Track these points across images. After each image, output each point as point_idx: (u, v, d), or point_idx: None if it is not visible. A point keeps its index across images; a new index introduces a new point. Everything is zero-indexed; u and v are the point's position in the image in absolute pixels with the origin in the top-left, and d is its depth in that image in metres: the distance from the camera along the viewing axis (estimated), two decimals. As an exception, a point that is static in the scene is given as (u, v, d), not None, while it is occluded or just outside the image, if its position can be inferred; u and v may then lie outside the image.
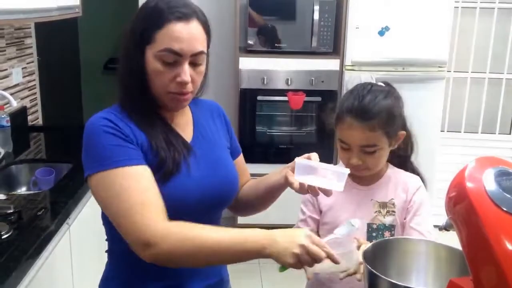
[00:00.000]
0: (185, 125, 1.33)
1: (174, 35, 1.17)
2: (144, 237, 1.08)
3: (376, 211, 1.48)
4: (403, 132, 1.49)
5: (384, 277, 1.04)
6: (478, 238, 0.86)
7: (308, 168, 1.25)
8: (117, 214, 1.13)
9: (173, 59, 1.18)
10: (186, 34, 1.18)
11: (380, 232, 1.46)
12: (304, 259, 1.07)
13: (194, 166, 1.25)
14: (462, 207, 0.89)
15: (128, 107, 1.26)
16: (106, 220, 1.25)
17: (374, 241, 1.22)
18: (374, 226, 1.47)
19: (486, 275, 0.86)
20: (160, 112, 1.29)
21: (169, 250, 1.08)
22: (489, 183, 0.86)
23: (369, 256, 1.12)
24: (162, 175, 1.18)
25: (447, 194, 0.93)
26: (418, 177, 1.55)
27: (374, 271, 1.06)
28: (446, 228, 0.99)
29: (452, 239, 1.16)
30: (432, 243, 1.16)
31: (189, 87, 1.21)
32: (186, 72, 1.19)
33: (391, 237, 1.20)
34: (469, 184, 0.88)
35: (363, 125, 1.38)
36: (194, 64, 1.21)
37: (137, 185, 1.12)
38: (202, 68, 1.24)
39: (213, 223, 1.30)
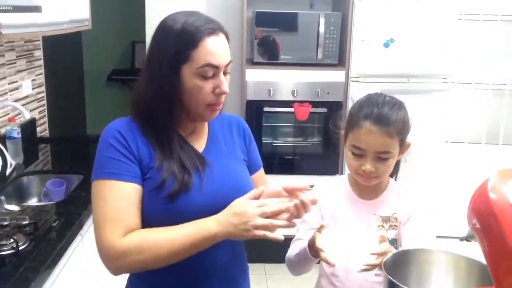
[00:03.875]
0: (199, 136, 1.36)
1: (210, 50, 1.22)
2: (107, 251, 1.18)
3: (379, 226, 1.48)
4: (410, 142, 1.51)
5: (404, 286, 1.05)
6: (501, 249, 0.88)
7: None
8: (94, 222, 1.23)
9: (212, 72, 1.24)
10: (219, 47, 1.24)
11: None
12: (260, 228, 1.14)
13: (207, 178, 1.28)
14: (485, 219, 0.90)
15: (145, 124, 1.29)
16: None
17: (394, 252, 1.23)
18: None
19: (509, 286, 0.88)
20: (178, 125, 1.32)
21: (131, 264, 1.19)
22: (513, 194, 0.88)
23: (388, 266, 1.14)
24: (168, 194, 1.22)
25: (469, 206, 0.95)
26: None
27: (395, 280, 1.07)
28: (467, 239, 1.00)
29: (467, 250, 1.18)
30: (451, 254, 1.17)
31: (224, 96, 1.28)
32: (224, 83, 1.26)
33: (410, 248, 1.22)
34: (492, 196, 0.90)
35: (382, 131, 1.40)
36: (224, 74, 1.28)
37: (114, 201, 1.20)
38: (229, 76, 1.30)
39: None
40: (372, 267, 1.29)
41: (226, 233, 1.17)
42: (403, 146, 1.47)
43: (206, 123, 1.40)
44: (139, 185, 1.24)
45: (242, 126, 1.48)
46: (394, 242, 1.47)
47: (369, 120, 1.41)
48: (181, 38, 1.22)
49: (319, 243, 1.34)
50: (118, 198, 1.21)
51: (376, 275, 1.44)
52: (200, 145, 1.35)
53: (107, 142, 1.25)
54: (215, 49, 1.23)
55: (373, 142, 1.41)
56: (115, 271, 1.21)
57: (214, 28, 1.24)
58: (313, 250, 1.38)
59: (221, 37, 1.26)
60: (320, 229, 1.36)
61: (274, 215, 1.17)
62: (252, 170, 1.45)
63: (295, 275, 1.54)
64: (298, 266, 1.50)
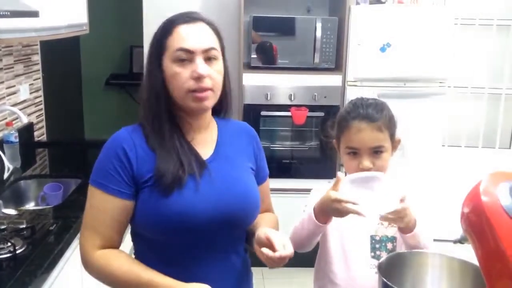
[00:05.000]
0: (206, 142, 1.36)
1: (182, 35, 1.26)
2: (82, 257, 1.29)
3: (378, 223, 1.50)
4: (399, 138, 1.54)
5: (399, 289, 1.06)
6: (494, 252, 0.89)
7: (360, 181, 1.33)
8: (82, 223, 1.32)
9: (186, 56, 1.25)
10: (194, 32, 1.27)
11: (383, 244, 1.50)
12: None
13: (206, 184, 1.27)
14: (477, 221, 0.91)
15: (148, 126, 1.31)
16: (133, 238, 1.34)
17: (388, 254, 1.25)
18: (377, 238, 1.50)
19: None
20: (182, 129, 1.33)
21: (93, 275, 1.29)
22: (504, 197, 0.89)
23: (384, 269, 1.15)
24: (162, 189, 1.23)
25: (462, 209, 0.96)
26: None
27: (389, 283, 1.08)
28: (461, 241, 1.02)
29: (461, 252, 1.19)
30: (445, 256, 1.19)
31: (207, 82, 1.26)
32: (199, 65, 1.25)
33: (405, 251, 1.23)
34: (484, 198, 0.91)
35: (371, 126, 1.45)
36: (209, 60, 1.27)
37: (96, 210, 1.28)
38: (219, 66, 1.30)
39: (234, 243, 1.35)
40: (389, 219, 1.31)
41: None
42: (393, 141, 1.51)
43: (214, 129, 1.39)
44: (126, 200, 1.26)
45: (252, 135, 1.47)
46: (393, 239, 1.49)
47: (358, 119, 1.46)
48: (159, 31, 1.29)
49: (343, 196, 1.30)
50: (100, 208, 1.27)
51: (377, 273, 1.45)
52: (207, 151, 1.34)
53: (108, 154, 1.28)
54: (188, 35, 1.26)
55: (365, 138, 1.45)
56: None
57: (193, 17, 1.29)
58: (321, 215, 1.37)
59: (198, 25, 1.28)
60: (335, 186, 1.33)
61: None
62: (259, 180, 1.43)
63: (298, 249, 1.49)
64: (304, 237, 1.46)
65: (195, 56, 1.25)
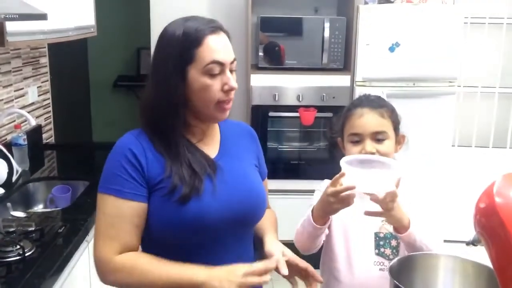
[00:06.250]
0: (211, 142, 1.37)
1: (214, 47, 1.24)
2: (100, 265, 1.25)
3: (382, 220, 1.49)
4: (404, 135, 1.54)
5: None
6: (508, 254, 0.87)
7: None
8: (94, 232, 1.28)
9: (219, 69, 1.25)
10: (222, 44, 1.27)
11: (387, 241, 1.49)
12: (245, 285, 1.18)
13: (220, 183, 1.28)
14: (491, 223, 0.90)
15: (154, 132, 1.29)
16: (143, 243, 1.31)
17: (399, 257, 1.23)
18: (381, 235, 1.49)
19: (517, 290, 0.87)
20: (187, 131, 1.32)
21: (119, 282, 1.24)
22: (519, 198, 0.87)
23: (394, 271, 1.13)
24: (180, 198, 1.22)
25: (474, 210, 0.94)
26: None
27: (401, 285, 1.06)
28: (473, 243, 1.00)
29: (475, 254, 1.17)
30: (458, 258, 1.17)
31: (233, 93, 1.29)
32: (231, 78, 1.27)
33: (416, 253, 1.21)
34: (498, 200, 0.89)
35: (374, 111, 1.48)
36: (231, 71, 1.28)
37: (113, 217, 1.24)
38: (235, 75, 1.31)
39: (244, 242, 1.35)
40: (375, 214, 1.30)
41: (210, 286, 1.17)
42: (397, 135, 1.51)
43: (217, 129, 1.40)
44: (142, 203, 1.25)
45: (253, 134, 1.49)
46: (397, 236, 1.47)
47: (360, 106, 1.50)
48: (184, 40, 1.24)
49: (338, 188, 1.30)
50: (117, 215, 1.24)
51: (381, 269, 1.44)
52: (213, 150, 1.35)
53: (117, 159, 1.26)
54: (219, 46, 1.25)
55: (367, 123, 1.46)
56: (104, 282, 1.27)
57: (215, 27, 1.27)
58: (320, 216, 1.36)
59: (222, 35, 1.28)
60: (336, 181, 1.32)
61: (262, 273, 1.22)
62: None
63: (304, 251, 1.50)
64: (306, 239, 1.45)
65: (225, 68, 1.26)
